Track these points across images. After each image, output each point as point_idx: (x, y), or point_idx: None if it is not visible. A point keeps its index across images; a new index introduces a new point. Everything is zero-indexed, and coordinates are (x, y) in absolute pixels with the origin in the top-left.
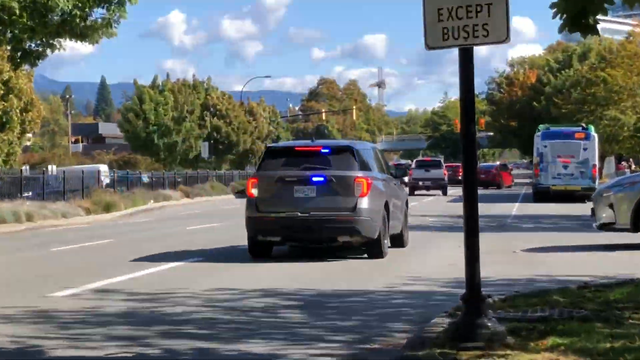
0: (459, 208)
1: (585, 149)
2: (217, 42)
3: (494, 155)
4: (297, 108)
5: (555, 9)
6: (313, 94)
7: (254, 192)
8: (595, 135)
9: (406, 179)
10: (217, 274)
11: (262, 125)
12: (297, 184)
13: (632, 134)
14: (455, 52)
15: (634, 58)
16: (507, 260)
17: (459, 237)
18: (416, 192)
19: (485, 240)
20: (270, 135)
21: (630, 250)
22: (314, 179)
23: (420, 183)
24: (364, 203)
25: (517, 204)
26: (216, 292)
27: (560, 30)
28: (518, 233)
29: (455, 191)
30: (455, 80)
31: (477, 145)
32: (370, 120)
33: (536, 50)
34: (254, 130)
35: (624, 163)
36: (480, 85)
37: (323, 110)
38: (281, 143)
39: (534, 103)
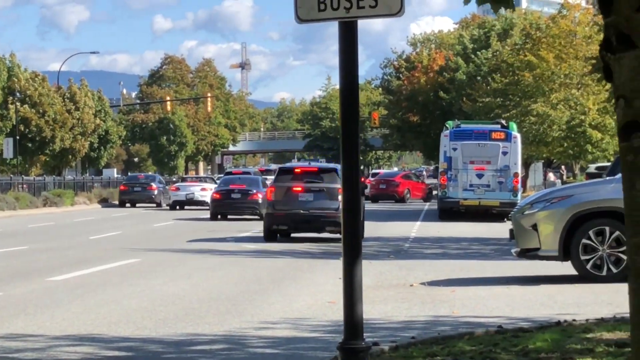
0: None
1: (504, 153)
2: (27, 5)
3: (390, 159)
4: (133, 94)
5: None
6: (155, 77)
7: (272, 196)
8: (518, 135)
9: None
10: (19, 314)
11: (88, 117)
12: (301, 192)
13: (564, 134)
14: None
15: (568, 38)
16: (402, 296)
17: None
18: None
19: (376, 270)
20: (97, 131)
21: (558, 284)
22: (312, 189)
23: None
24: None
25: (417, 223)
26: (12, 338)
27: (467, 1)
28: (417, 261)
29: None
30: None
31: (361, 146)
32: (231, 112)
33: (446, 25)
34: (77, 123)
35: (555, 172)
36: (374, 69)
37: (168, 98)
38: (288, 164)
39: (442, 93)
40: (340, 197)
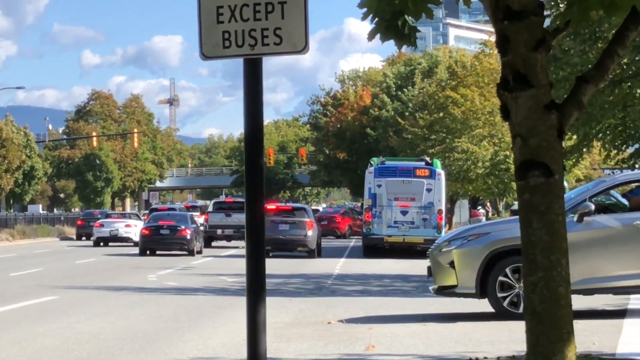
0: (269, 264)
1: (429, 190)
2: None
3: (318, 195)
4: (60, 130)
5: (365, 9)
6: (82, 112)
7: None
8: (442, 172)
9: (201, 220)
10: None
11: (13, 153)
12: (280, 223)
13: (488, 171)
14: (271, 61)
15: (491, 76)
16: (319, 334)
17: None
18: (214, 244)
19: (295, 307)
20: (22, 167)
21: (475, 322)
22: (288, 221)
23: (219, 232)
24: (310, 233)
25: (342, 260)
26: None
27: (371, 37)
28: (339, 298)
29: None
30: (271, 97)
31: (289, 182)
32: (158, 148)
33: (375, 62)
34: (2, 161)
35: (480, 208)
36: (303, 105)
37: (94, 133)
38: (270, 205)
39: (368, 130)
40: (307, 227)
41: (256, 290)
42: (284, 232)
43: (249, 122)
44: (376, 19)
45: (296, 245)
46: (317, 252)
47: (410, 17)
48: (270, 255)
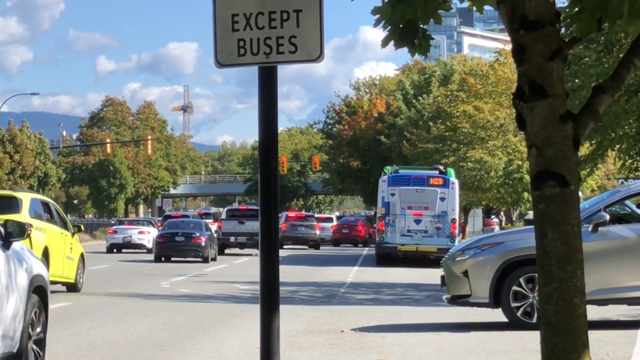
0: (281, 271)
1: (442, 199)
2: None
3: (331, 203)
4: (74, 136)
5: (378, 15)
6: (96, 119)
7: (285, 228)
8: (456, 181)
9: (214, 227)
10: None
11: (28, 159)
12: (299, 226)
13: (501, 180)
14: (287, 68)
15: (506, 85)
16: (331, 342)
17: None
18: (227, 251)
19: (308, 315)
20: (36, 173)
21: (488, 331)
22: (304, 224)
23: (233, 239)
24: (317, 232)
25: (355, 268)
26: None
27: (385, 44)
28: (351, 306)
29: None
30: (284, 105)
31: (302, 190)
32: (172, 155)
33: (389, 70)
34: (17, 167)
35: (493, 217)
36: (317, 113)
37: (108, 140)
38: (292, 212)
39: (382, 138)
40: (316, 228)
41: (270, 298)
42: (301, 232)
43: (263, 129)
44: (389, 26)
45: (309, 240)
46: (319, 245)
47: (424, 25)
48: (284, 247)
